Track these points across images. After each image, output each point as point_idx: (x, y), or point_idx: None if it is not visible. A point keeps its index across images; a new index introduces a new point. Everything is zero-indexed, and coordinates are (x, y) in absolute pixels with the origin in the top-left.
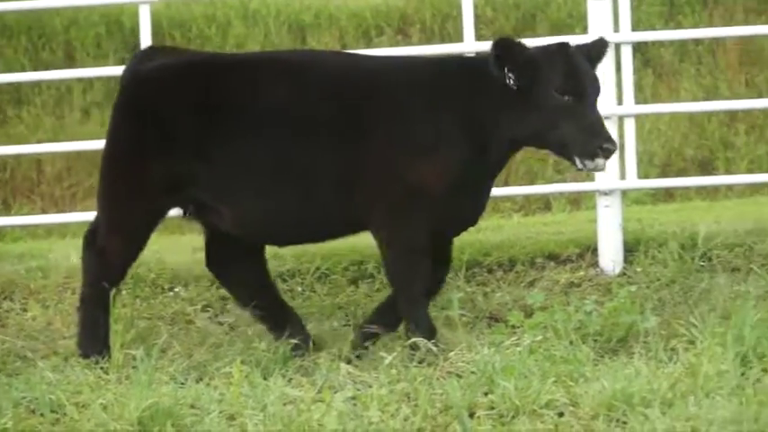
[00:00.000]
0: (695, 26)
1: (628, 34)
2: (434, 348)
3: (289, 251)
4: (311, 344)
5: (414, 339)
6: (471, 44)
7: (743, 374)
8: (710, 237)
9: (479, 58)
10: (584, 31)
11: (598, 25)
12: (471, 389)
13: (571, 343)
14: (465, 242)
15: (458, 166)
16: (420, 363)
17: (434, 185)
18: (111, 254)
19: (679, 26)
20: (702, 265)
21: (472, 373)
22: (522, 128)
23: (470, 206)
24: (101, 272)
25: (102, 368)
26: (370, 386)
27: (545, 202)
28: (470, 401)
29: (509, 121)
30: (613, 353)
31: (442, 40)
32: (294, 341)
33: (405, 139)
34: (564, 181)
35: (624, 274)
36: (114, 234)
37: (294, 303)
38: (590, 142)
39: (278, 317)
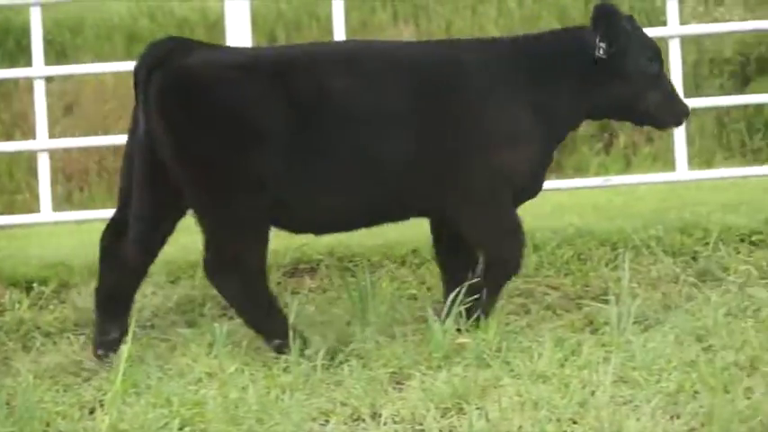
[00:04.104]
0: None
1: None
2: None
3: None
4: None
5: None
6: None
7: None
8: None
9: (561, 32)
10: None
11: None
12: None
13: None
14: None
15: (538, 150)
16: None
17: (518, 170)
18: (246, 259)
19: None
20: None
21: None
22: (607, 99)
23: (538, 181)
24: (246, 286)
25: None
26: None
27: None
28: None
29: (589, 94)
30: None
31: None
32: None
33: (480, 124)
34: None
35: None
36: (244, 236)
37: None
38: (678, 107)
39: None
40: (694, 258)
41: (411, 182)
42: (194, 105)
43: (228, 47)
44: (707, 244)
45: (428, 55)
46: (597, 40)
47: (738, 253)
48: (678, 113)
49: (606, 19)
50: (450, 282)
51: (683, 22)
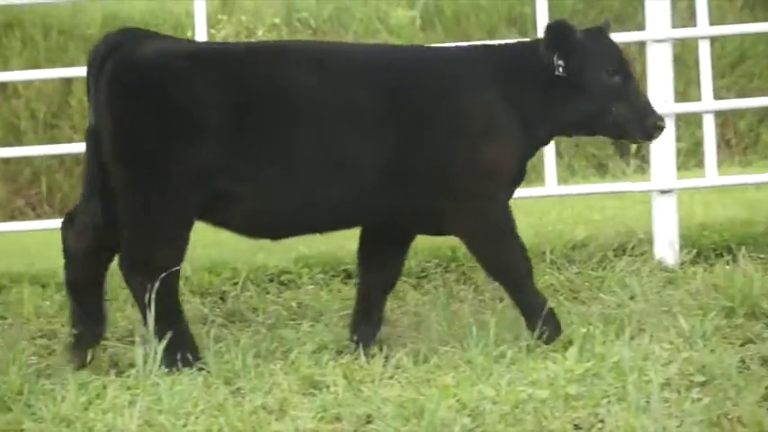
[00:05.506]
0: None
1: None
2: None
3: None
4: None
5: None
6: None
7: None
8: None
9: (521, 45)
10: None
11: None
12: None
13: None
14: None
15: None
16: None
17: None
18: (160, 262)
19: None
20: None
21: None
22: (572, 116)
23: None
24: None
25: None
26: None
27: None
28: None
29: (556, 110)
30: None
31: None
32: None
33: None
34: None
35: None
36: (159, 240)
37: None
38: (648, 119)
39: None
40: (222, 299)
41: (366, 183)
42: (142, 94)
43: (183, 39)
44: (236, 284)
45: (385, 55)
46: (555, 58)
47: (268, 293)
48: (647, 126)
49: (561, 36)
50: (365, 299)
51: None
